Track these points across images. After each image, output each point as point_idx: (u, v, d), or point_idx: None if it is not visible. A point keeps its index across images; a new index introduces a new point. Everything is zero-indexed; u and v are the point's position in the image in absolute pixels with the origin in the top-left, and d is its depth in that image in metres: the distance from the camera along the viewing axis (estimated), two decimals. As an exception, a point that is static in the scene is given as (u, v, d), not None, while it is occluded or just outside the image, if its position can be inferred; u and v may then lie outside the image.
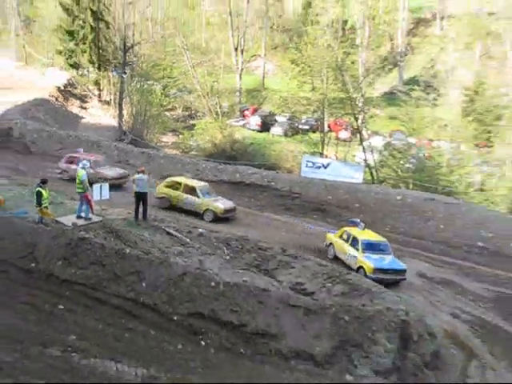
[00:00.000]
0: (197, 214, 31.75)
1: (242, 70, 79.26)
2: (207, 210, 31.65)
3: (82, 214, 24.26)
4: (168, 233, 25.52)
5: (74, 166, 33.47)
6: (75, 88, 65.28)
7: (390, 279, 25.59)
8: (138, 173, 27.56)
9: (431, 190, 42.55)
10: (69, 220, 23.81)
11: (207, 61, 74.89)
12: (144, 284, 19.65)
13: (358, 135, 55.20)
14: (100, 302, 19.07)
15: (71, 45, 64.15)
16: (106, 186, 26.37)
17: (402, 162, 51.03)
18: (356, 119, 54.51)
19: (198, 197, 31.79)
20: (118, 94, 60.42)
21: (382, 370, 18.74)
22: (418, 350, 19.90)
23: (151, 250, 22.25)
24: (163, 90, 66.35)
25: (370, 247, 27.11)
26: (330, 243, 29.07)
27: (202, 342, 18.34)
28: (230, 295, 19.41)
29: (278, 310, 19.26)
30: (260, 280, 21.49)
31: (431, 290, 26.80)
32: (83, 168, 25.29)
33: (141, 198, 26.32)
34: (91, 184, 25.44)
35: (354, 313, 19.58)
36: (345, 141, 61.75)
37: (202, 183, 33.83)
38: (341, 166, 42.81)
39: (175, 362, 16.93)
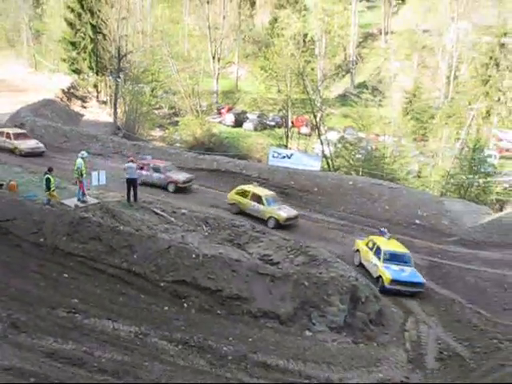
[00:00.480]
0: (262, 220, 29.76)
1: (218, 74, 78.83)
2: (271, 217, 29.56)
3: (81, 197, 24.05)
4: (155, 213, 25.39)
5: (144, 172, 33.00)
6: (77, 90, 64.84)
7: (407, 291, 23.42)
8: (128, 162, 27.34)
9: (377, 176, 42.70)
10: (71, 202, 23.62)
11: (189, 67, 74.25)
12: (135, 256, 19.58)
13: (317, 130, 55.21)
14: (98, 271, 19.00)
15: (74, 54, 63.50)
16: (102, 172, 26.14)
17: (353, 153, 51.14)
18: (315, 117, 54.50)
19: (264, 204, 29.87)
20: (113, 95, 59.81)
21: (335, 327, 18.91)
22: (365, 309, 20.10)
23: (141, 227, 22.14)
24: (152, 91, 65.79)
25: (392, 258, 24.42)
26: (357, 250, 26.59)
27: (185, 305, 18.37)
28: (208, 265, 19.41)
29: (249, 278, 19.27)
30: (233, 252, 21.47)
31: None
32: (82, 158, 25.02)
33: (131, 183, 26.14)
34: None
35: (313, 279, 19.67)
36: (305, 135, 61.78)
37: (269, 192, 31.51)
38: (302, 156, 42.73)
39: (162, 321, 16.93)
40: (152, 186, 32.91)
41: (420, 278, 23.75)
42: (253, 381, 14.88)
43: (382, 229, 27.66)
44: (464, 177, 45.10)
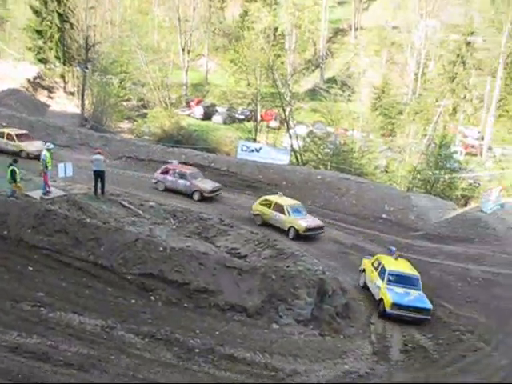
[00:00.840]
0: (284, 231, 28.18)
1: (188, 67, 78.53)
2: (291, 227, 27.73)
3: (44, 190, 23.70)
4: (123, 205, 25.17)
5: (169, 178, 32.02)
6: (43, 80, 63.45)
7: (409, 317, 20.78)
8: (96, 154, 27.07)
9: (345, 171, 43.06)
10: (37, 194, 23.26)
11: (158, 59, 73.77)
12: (102, 249, 19.42)
13: (286, 124, 55.38)
14: (64, 264, 18.79)
15: (40, 42, 62.27)
16: (69, 164, 25.82)
17: (321, 147, 51.46)
18: (284, 111, 54.64)
19: (285, 214, 28.08)
20: (80, 86, 59.10)
21: (302, 320, 19.02)
22: (332, 302, 20.27)
23: (108, 219, 21.96)
24: (120, 83, 65.24)
25: (397, 279, 21.85)
26: (363, 269, 24.14)
27: (152, 298, 18.29)
28: (176, 258, 19.36)
29: (216, 271, 19.27)
30: (201, 245, 21.47)
31: (344, 253, 27.24)
32: (47, 149, 24.68)
33: (99, 175, 25.87)
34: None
35: (280, 272, 19.75)
36: (274, 129, 61.91)
37: (293, 202, 29.69)
38: (270, 150, 42.86)
39: (129, 314, 16.85)
40: (176, 192, 31.71)
41: (426, 304, 21.07)
42: (220, 374, 14.93)
43: (390, 247, 25.21)
44: (430, 172, 45.74)
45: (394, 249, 24.44)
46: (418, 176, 47.35)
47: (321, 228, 28.70)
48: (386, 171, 52.03)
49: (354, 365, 17.18)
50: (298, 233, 27.53)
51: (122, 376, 13.46)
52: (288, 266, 20.72)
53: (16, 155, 31.33)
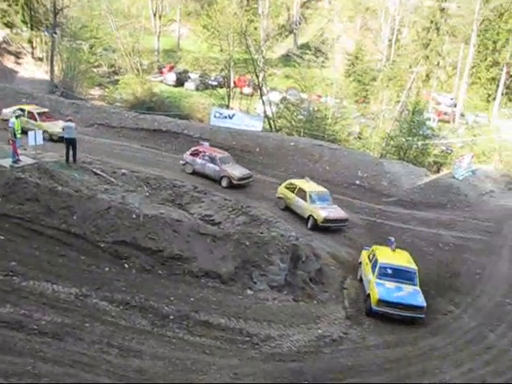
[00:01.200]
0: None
1: (159, 32, 77.22)
2: (310, 215, 25.96)
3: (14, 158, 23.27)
4: (95, 173, 24.89)
5: (198, 160, 30.50)
6: (10, 45, 61.86)
7: (398, 316, 18.84)
8: (67, 121, 26.65)
9: (319, 137, 43.08)
10: (6, 162, 22.80)
11: (129, 24, 72.32)
12: (74, 217, 19.20)
13: (259, 91, 55.03)
14: (36, 232, 18.51)
15: (4, 5, 60.40)
16: (39, 132, 25.38)
17: (295, 113, 51.33)
18: (257, 77, 54.23)
19: (306, 201, 26.34)
20: (49, 51, 57.73)
21: (276, 286, 19.21)
22: (305, 268, 20.46)
23: (80, 187, 21.72)
24: (90, 48, 63.93)
25: (389, 273, 19.92)
26: (360, 262, 22.61)
27: (126, 265, 18.22)
28: (149, 225, 19.29)
29: (190, 238, 19.29)
30: (175, 212, 21.39)
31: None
32: (16, 117, 24.19)
33: (70, 143, 25.49)
34: None
35: (254, 239, 19.85)
36: (247, 95, 61.51)
37: (319, 189, 27.70)
38: (244, 117, 42.64)
39: (103, 282, 16.75)
40: (204, 176, 30.18)
41: (419, 301, 19.05)
42: (195, 340, 15.04)
43: (389, 238, 22.87)
44: (403, 139, 46.03)
45: (392, 239, 22.28)
46: (391, 142, 47.64)
47: (344, 220, 26.56)
48: (360, 138, 52.25)
49: (328, 329, 17.46)
50: (317, 223, 25.73)
51: (97, 344, 13.47)
52: (262, 233, 20.81)
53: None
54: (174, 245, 18.98)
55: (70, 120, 26.75)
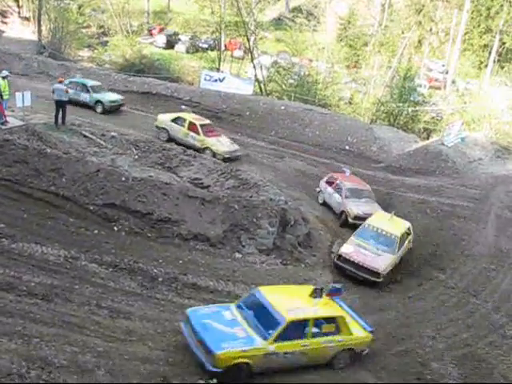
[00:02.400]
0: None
1: (149, -7, 75.96)
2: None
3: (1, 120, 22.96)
4: (84, 136, 24.71)
5: (329, 189, 25.58)
6: (-5, 4, 60.61)
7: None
8: (58, 83, 26.31)
9: (309, 102, 42.89)
10: (-7, 124, 22.55)
11: (119, -17, 70.99)
12: (63, 179, 19.13)
13: (250, 54, 54.47)
14: (25, 195, 18.41)
15: (-12, -38, 59.12)
16: (27, 93, 25.02)
17: (286, 77, 51.02)
18: (248, 40, 53.66)
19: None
20: (36, 11, 56.61)
21: (264, 249, 19.35)
22: (294, 232, 20.61)
23: (69, 150, 21.57)
24: (79, 9, 62.86)
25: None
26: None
27: (115, 228, 18.24)
28: (138, 188, 19.28)
29: (179, 201, 19.30)
30: (164, 175, 21.36)
31: (306, 184, 27.50)
32: (3, 77, 23.81)
33: (60, 105, 25.24)
34: None
35: (243, 202, 19.91)
36: (238, 58, 60.95)
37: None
38: (234, 80, 42.39)
39: (92, 244, 16.79)
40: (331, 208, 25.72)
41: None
42: (183, 302, 15.18)
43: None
44: (394, 105, 45.92)
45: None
46: (382, 108, 47.52)
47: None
48: (350, 103, 52.05)
49: (315, 292, 17.64)
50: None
51: (87, 305, 13.57)
52: (251, 196, 20.85)
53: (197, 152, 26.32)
54: (163, 208, 19.01)
55: (60, 81, 26.39)
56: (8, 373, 9.21)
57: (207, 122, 29.59)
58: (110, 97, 33.03)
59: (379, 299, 18.53)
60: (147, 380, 10.77)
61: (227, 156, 27.03)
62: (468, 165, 33.98)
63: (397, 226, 21.11)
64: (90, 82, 33.48)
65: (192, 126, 28.02)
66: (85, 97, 32.16)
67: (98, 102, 32.10)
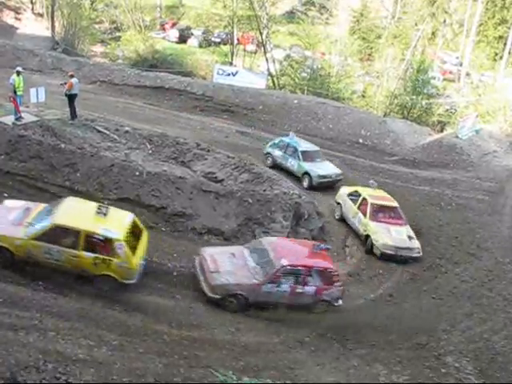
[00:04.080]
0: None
1: (162, -13, 75.98)
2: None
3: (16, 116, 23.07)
4: (98, 131, 24.76)
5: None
6: (9, 0, 60.78)
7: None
8: (70, 76, 26.33)
9: (322, 95, 42.75)
10: (8, 120, 22.65)
11: (131, -22, 71.07)
12: (78, 174, 19.25)
13: (263, 48, 54.37)
14: (40, 190, 18.58)
15: (3, -41, 59.33)
16: (41, 89, 25.13)
17: (298, 71, 50.81)
18: (261, 34, 53.53)
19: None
20: (50, 7, 56.83)
21: (278, 243, 19.26)
22: (308, 225, 20.55)
23: (84, 145, 21.63)
24: (91, 4, 62.97)
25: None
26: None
27: (129, 222, 18.22)
28: (152, 182, 19.35)
29: (193, 195, 19.35)
30: (178, 170, 21.41)
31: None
32: (17, 73, 23.89)
33: (72, 99, 25.28)
34: None
35: (257, 196, 19.89)
36: (251, 52, 60.87)
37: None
38: (247, 74, 42.31)
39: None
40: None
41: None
42: (198, 295, 15.25)
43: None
44: (407, 98, 45.60)
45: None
46: (395, 101, 47.22)
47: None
48: (363, 96, 51.80)
49: (329, 286, 17.63)
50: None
51: (102, 299, 13.68)
52: (265, 190, 20.84)
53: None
54: (177, 202, 19.06)
55: (72, 75, 26.42)
56: (25, 365, 9.29)
57: (391, 204, 22.14)
58: (322, 170, 25.77)
59: (394, 290, 18.48)
60: (164, 376, 10.82)
61: (388, 252, 20.14)
62: (483, 157, 33.76)
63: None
64: (303, 146, 26.90)
65: (363, 205, 21.94)
66: (292, 164, 26.22)
67: (306, 173, 25.52)
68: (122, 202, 18.65)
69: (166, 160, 23.03)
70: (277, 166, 26.52)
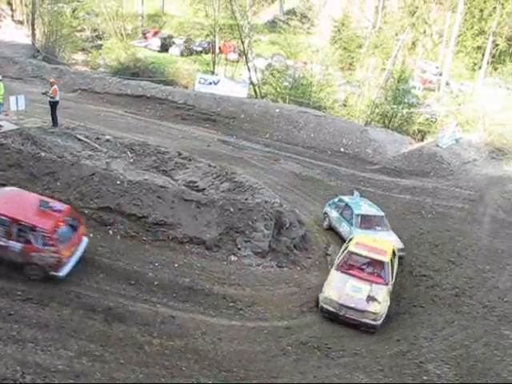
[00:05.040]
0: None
1: (143, -4, 75.92)
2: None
3: None
4: (79, 139, 24.56)
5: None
6: (-12, 7, 60.46)
7: None
8: (51, 84, 26.14)
9: (304, 104, 42.85)
10: (-14, 129, 22.43)
11: (112, -13, 70.95)
12: (58, 183, 19.07)
13: (244, 57, 54.47)
14: (19, 198, 18.32)
15: (-19, -34, 58.99)
16: (21, 96, 24.91)
17: (280, 80, 50.93)
18: (243, 43, 53.58)
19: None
20: (30, 14, 56.48)
21: (260, 252, 19.30)
22: (289, 234, 20.56)
23: (64, 153, 21.42)
24: (73, 12, 62.61)
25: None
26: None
27: (110, 232, 18.16)
28: (133, 191, 19.21)
29: (174, 204, 19.26)
30: (159, 179, 21.26)
31: (302, 186, 27.48)
32: (-1, 81, 23.72)
33: (55, 106, 25.09)
34: None
35: (238, 205, 19.86)
36: (233, 61, 60.89)
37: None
38: (229, 83, 42.29)
39: (87, 248, 16.66)
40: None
41: None
42: (179, 305, 15.17)
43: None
44: (388, 107, 45.94)
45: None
46: (376, 110, 47.52)
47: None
48: (345, 105, 52.00)
49: (311, 294, 17.64)
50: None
51: (82, 309, 13.55)
52: (246, 199, 20.80)
53: None
54: (159, 211, 18.95)
55: (53, 83, 26.21)
56: (3, 377, 9.15)
57: (378, 257, 18.21)
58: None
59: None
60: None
61: (327, 308, 16.76)
62: (463, 166, 34.06)
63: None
64: (363, 209, 22.78)
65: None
66: (344, 229, 22.27)
67: None
68: (103, 211, 18.54)
69: (148, 169, 22.89)
70: (333, 230, 23.20)
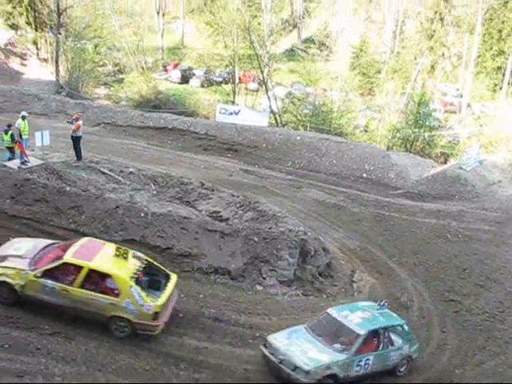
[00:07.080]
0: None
1: (163, 30, 77.26)
2: None
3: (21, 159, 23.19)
4: (103, 172, 24.82)
5: None
6: (15, 47, 62.02)
7: None
8: (76, 120, 26.51)
9: (325, 131, 43.00)
10: (14, 164, 22.79)
11: (133, 22, 72.50)
12: (83, 216, 19.23)
13: (264, 86, 54.95)
14: (46, 233, 18.46)
15: (8, 7, 60.68)
16: (46, 132, 25.33)
17: (300, 108, 51.26)
18: (262, 72, 54.15)
19: None
20: (54, 52, 57.87)
21: (285, 280, 19.20)
22: (314, 262, 20.42)
23: (88, 187, 21.65)
24: (95, 48, 64.01)
25: None
26: None
27: (135, 264, 18.15)
28: (158, 223, 19.29)
29: (198, 234, 19.28)
30: (182, 210, 21.34)
31: (326, 213, 27.35)
32: (22, 117, 24.10)
33: (78, 141, 25.42)
34: None
35: (262, 234, 19.82)
36: (253, 91, 61.49)
37: None
38: (249, 112, 42.68)
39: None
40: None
41: None
42: (205, 335, 15.10)
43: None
44: (410, 131, 45.86)
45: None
46: (398, 135, 47.45)
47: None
48: (366, 130, 52.10)
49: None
50: None
51: (107, 343, 13.55)
52: (270, 228, 20.76)
53: None
54: (183, 242, 19.00)
55: (77, 118, 26.53)
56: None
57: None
58: None
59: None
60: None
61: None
62: (487, 188, 33.72)
63: None
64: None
65: None
66: None
67: None
68: (128, 243, 18.60)
69: (171, 200, 23.01)
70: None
